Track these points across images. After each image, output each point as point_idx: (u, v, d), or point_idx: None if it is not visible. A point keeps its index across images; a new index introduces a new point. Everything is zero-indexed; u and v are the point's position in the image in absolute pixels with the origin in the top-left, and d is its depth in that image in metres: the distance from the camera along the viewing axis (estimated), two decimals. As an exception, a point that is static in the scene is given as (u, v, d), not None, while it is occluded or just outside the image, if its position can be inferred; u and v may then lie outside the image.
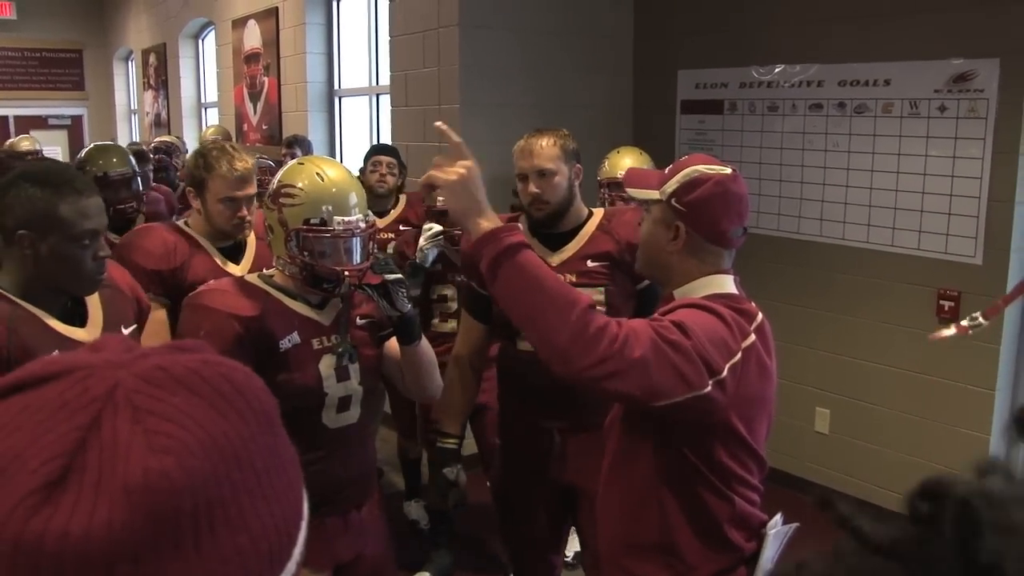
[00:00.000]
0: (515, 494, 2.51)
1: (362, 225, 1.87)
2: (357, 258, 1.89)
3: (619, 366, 1.39)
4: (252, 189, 2.38)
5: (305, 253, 1.84)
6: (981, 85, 3.27)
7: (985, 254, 3.31)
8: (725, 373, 1.46)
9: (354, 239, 1.87)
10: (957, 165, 3.38)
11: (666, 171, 1.66)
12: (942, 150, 3.42)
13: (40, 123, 10.35)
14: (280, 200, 1.86)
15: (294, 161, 1.97)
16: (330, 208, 1.83)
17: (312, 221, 1.83)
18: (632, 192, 1.71)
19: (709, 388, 1.45)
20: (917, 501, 0.42)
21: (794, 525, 1.66)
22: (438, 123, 1.60)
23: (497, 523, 3.33)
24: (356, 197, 1.88)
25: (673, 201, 1.61)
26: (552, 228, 2.35)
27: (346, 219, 1.84)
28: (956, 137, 3.37)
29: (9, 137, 9.68)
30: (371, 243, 1.94)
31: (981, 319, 0.81)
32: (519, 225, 1.50)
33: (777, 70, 3.94)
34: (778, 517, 1.66)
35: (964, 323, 0.80)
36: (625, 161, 3.51)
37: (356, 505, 2.02)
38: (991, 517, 0.39)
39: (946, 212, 3.43)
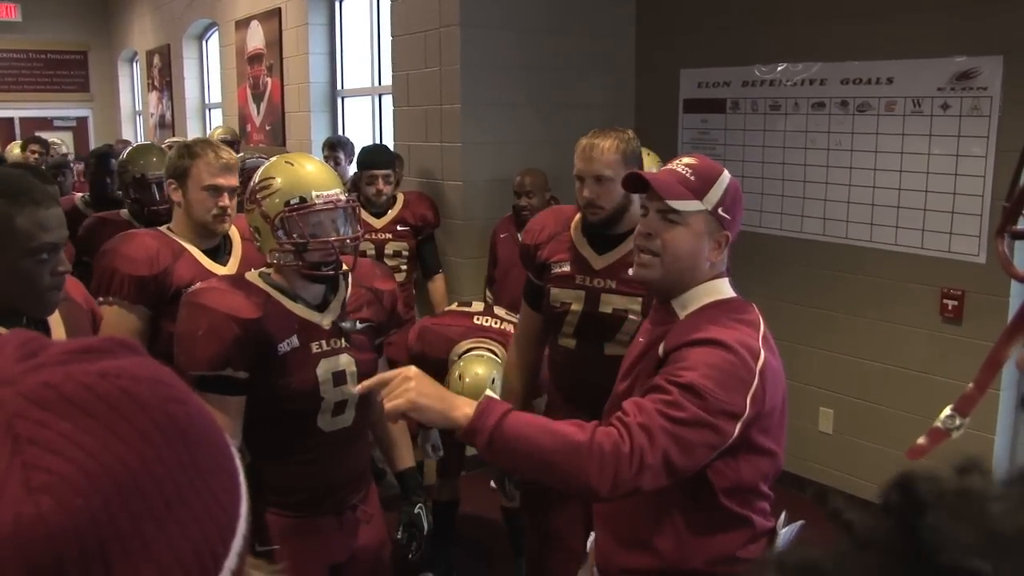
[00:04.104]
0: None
1: (343, 198, 1.88)
2: (346, 230, 1.89)
3: (640, 480, 1.39)
4: (235, 181, 2.39)
5: (294, 235, 1.84)
6: (984, 83, 3.25)
7: (989, 253, 3.29)
8: (747, 409, 1.44)
9: (338, 211, 1.88)
10: (960, 163, 3.35)
11: (687, 175, 1.57)
12: (945, 148, 3.40)
13: (45, 125, 10.37)
14: (258, 196, 1.88)
15: (266, 161, 1.99)
16: (307, 187, 1.85)
17: (292, 202, 1.84)
18: (675, 204, 1.54)
19: (735, 433, 1.44)
20: (890, 491, 0.41)
21: (799, 523, 1.66)
22: (358, 387, 1.61)
23: (501, 524, 3.35)
24: (331, 179, 1.91)
25: (720, 211, 1.57)
26: (605, 230, 2.30)
27: (325, 193, 1.85)
28: (959, 135, 3.35)
29: (14, 139, 9.72)
30: (356, 219, 1.94)
31: (958, 418, 0.76)
32: (490, 394, 1.47)
33: (779, 69, 3.92)
34: (783, 517, 1.65)
35: (939, 425, 0.76)
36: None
37: (351, 506, 2.02)
38: (939, 500, 0.39)
39: (949, 211, 3.41)
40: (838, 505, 0.43)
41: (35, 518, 0.39)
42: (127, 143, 7.22)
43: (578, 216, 2.36)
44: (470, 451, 3.85)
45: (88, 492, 0.41)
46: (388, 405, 1.44)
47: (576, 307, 2.30)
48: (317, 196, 1.84)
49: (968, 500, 0.39)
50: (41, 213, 1.55)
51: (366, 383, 1.54)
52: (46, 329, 1.69)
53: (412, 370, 1.46)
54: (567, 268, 2.33)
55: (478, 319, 2.92)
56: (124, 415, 0.44)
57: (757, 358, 1.47)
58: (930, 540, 0.37)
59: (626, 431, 1.39)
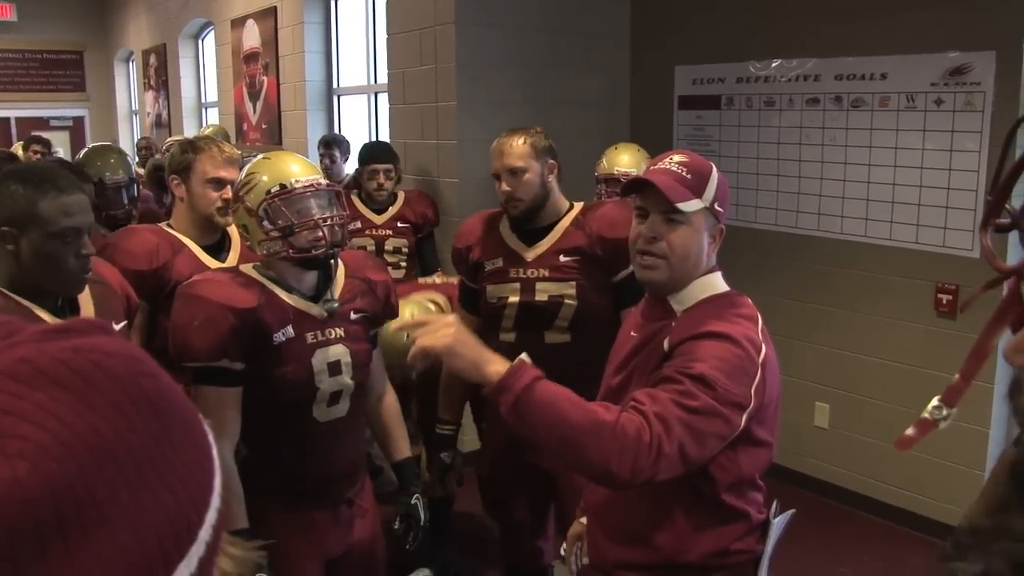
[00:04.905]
0: (497, 477, 2.56)
1: (323, 183, 1.92)
2: (330, 211, 1.91)
3: (657, 469, 1.39)
4: (236, 175, 2.42)
5: (279, 222, 1.86)
6: (978, 78, 3.26)
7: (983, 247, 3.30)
8: (752, 401, 1.46)
9: (320, 195, 1.91)
10: (954, 158, 3.37)
11: (684, 174, 1.57)
12: (939, 143, 3.41)
13: (42, 125, 10.36)
14: (240, 193, 1.91)
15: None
16: (287, 176, 1.88)
17: (273, 190, 1.87)
18: (681, 205, 1.55)
19: (742, 425, 1.46)
20: None
21: (791, 512, 1.68)
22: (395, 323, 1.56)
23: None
24: (310, 168, 1.94)
25: (716, 205, 1.59)
26: (529, 224, 2.40)
27: (305, 179, 1.89)
28: (953, 130, 3.36)
29: (11, 139, 9.71)
30: (340, 203, 1.96)
31: (945, 408, 0.80)
32: (525, 359, 1.46)
33: (774, 65, 3.94)
34: (775, 506, 1.67)
35: (927, 416, 0.79)
36: (623, 158, 3.52)
37: (346, 499, 2.03)
38: None
39: (943, 205, 3.42)
40: None
41: (12, 481, 0.41)
42: (148, 140, 7.22)
43: (505, 214, 2.46)
44: (466, 448, 3.85)
45: (63, 458, 0.42)
46: (425, 341, 1.43)
47: (513, 299, 2.37)
48: (296, 181, 1.87)
49: None
50: (64, 199, 1.67)
51: (406, 322, 1.53)
52: (76, 308, 1.80)
53: (454, 317, 1.49)
54: (500, 263, 2.41)
55: (423, 280, 3.02)
56: (97, 387, 0.45)
57: (759, 351, 1.49)
58: None
59: (644, 419, 1.39)
